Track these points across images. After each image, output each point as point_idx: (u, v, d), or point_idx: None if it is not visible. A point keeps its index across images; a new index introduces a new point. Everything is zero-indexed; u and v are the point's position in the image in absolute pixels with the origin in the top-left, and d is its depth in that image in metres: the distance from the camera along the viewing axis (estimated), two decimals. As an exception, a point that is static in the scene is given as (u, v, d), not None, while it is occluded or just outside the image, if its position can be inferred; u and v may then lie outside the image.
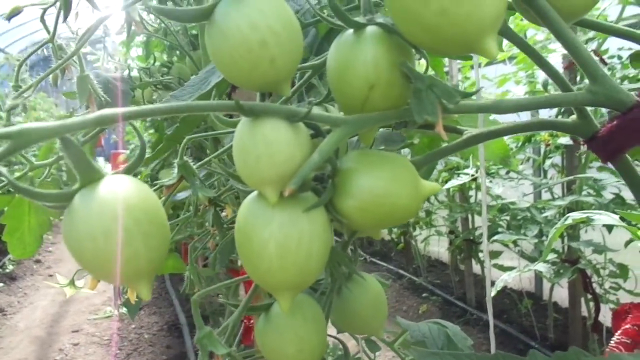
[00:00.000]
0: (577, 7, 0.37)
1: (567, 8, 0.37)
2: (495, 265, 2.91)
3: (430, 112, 0.30)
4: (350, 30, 0.35)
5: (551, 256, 2.24)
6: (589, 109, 0.40)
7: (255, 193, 0.34)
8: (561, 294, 2.80)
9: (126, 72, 1.45)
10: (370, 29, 0.34)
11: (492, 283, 1.88)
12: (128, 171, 0.32)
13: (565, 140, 2.18)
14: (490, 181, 2.71)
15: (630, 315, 0.46)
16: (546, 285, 2.89)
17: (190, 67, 1.40)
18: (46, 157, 1.34)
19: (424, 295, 3.69)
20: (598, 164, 2.15)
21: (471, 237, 3.21)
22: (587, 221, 0.75)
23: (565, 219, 0.77)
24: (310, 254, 0.33)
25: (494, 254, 2.98)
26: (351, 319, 0.48)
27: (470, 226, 3.25)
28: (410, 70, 0.32)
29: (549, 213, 2.20)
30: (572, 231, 2.21)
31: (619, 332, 0.43)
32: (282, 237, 0.32)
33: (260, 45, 0.30)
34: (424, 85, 0.31)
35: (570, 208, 2.25)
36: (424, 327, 0.81)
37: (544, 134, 2.42)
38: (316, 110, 0.41)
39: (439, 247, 4.15)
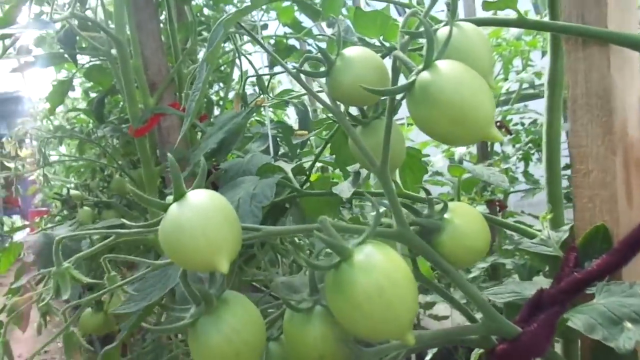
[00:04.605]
0: (466, 262, 0.49)
1: (459, 263, 0.49)
2: (430, 315, 3.06)
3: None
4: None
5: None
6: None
7: None
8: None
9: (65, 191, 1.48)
10: (318, 307, 0.43)
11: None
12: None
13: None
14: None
15: None
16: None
17: (131, 183, 1.44)
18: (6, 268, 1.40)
19: None
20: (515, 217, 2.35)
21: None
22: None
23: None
24: None
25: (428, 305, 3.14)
26: None
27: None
28: (353, 346, 0.41)
29: (473, 274, 2.38)
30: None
31: None
32: None
33: (236, 355, 0.38)
34: (364, 362, 0.40)
35: (494, 265, 2.44)
36: None
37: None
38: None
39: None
